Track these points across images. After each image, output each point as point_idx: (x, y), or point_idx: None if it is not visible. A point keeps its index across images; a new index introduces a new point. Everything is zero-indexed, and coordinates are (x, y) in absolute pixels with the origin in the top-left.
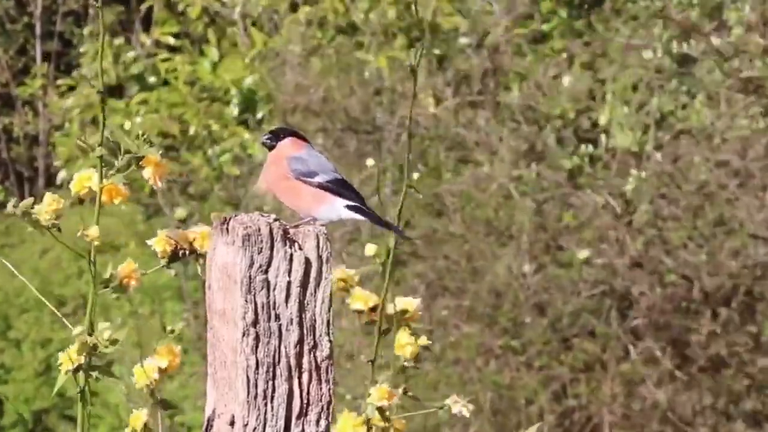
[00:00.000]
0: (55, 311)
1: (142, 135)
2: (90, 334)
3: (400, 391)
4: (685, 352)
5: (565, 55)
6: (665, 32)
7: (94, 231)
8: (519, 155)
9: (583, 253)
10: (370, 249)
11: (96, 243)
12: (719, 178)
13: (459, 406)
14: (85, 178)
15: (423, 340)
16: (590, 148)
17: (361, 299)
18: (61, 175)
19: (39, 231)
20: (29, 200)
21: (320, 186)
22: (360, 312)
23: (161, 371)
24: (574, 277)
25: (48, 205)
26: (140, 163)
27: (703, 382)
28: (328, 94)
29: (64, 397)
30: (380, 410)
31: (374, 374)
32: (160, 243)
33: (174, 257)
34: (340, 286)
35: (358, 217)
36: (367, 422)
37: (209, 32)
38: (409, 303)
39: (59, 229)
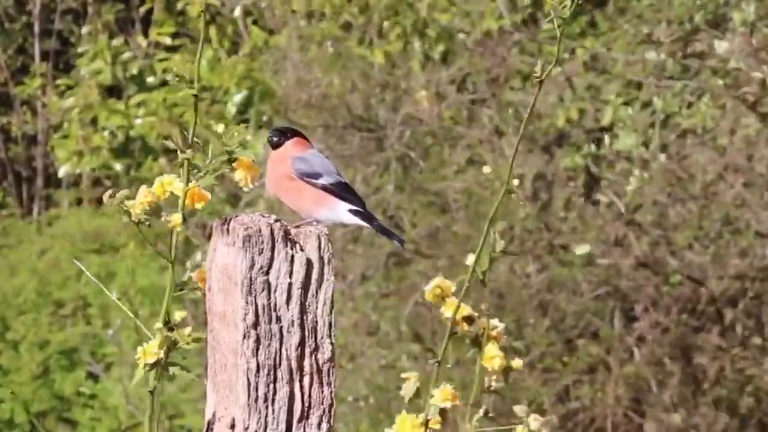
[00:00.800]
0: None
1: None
2: (170, 330)
3: (482, 411)
4: (691, 357)
5: (567, 55)
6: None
7: (177, 218)
8: (522, 154)
9: (583, 248)
10: (471, 259)
11: (178, 230)
12: (725, 178)
13: (538, 423)
14: (167, 183)
15: (518, 363)
16: (593, 148)
17: (453, 308)
18: (63, 171)
19: (132, 224)
20: (126, 191)
21: (324, 188)
22: (452, 321)
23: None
24: (577, 278)
25: (144, 197)
26: (233, 164)
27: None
28: (329, 90)
29: (62, 399)
30: (442, 412)
31: (440, 375)
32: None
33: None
34: (436, 293)
35: (361, 222)
36: (426, 423)
37: (210, 30)
38: (495, 323)
39: (149, 225)
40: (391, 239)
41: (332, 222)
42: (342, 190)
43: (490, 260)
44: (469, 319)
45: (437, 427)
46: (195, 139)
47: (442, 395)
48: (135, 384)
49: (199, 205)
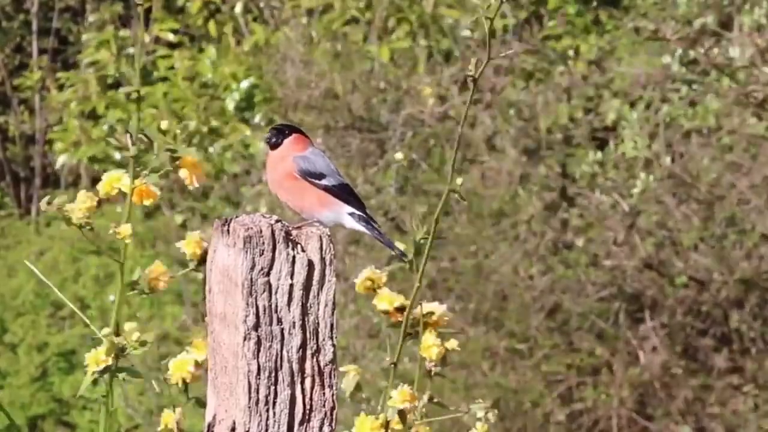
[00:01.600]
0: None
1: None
2: (117, 335)
3: (425, 397)
4: (696, 357)
5: (572, 53)
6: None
7: (126, 229)
8: (525, 154)
9: (580, 240)
10: (401, 245)
11: (128, 242)
12: (729, 178)
13: (483, 410)
14: (115, 179)
15: (452, 343)
16: (599, 155)
17: (387, 300)
18: (60, 160)
19: (72, 229)
20: (64, 197)
21: (326, 189)
22: (386, 313)
23: (197, 365)
24: (582, 279)
25: (82, 203)
26: (176, 162)
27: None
28: (331, 89)
29: (61, 402)
30: (401, 413)
31: (394, 376)
32: (190, 245)
33: (204, 260)
34: (367, 285)
35: (362, 228)
36: (386, 425)
37: (210, 26)
38: (436, 307)
39: (92, 228)
40: (393, 250)
41: (334, 223)
42: (344, 193)
43: (416, 247)
44: (402, 310)
45: (398, 427)
46: (140, 136)
47: (400, 396)
48: (79, 393)
49: (147, 202)
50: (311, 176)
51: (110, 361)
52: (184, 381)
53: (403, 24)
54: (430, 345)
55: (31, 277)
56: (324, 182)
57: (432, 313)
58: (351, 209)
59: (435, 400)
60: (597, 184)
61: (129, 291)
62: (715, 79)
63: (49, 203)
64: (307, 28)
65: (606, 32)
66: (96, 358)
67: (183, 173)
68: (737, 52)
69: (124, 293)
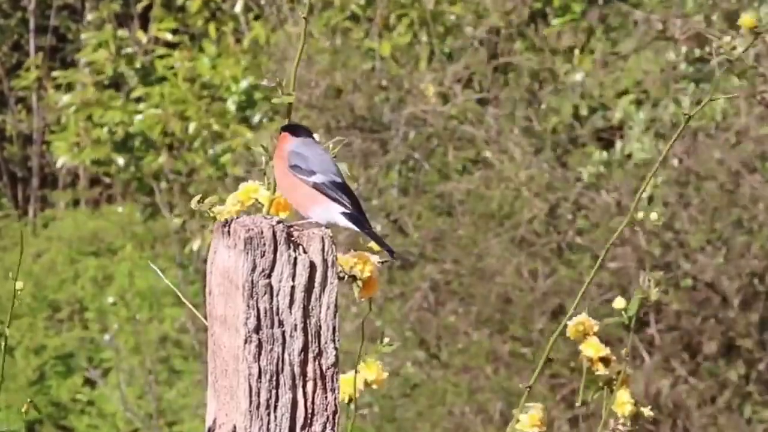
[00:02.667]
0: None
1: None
2: None
3: None
4: (699, 360)
5: (577, 52)
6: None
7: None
8: (530, 154)
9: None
10: (619, 303)
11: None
12: (738, 178)
13: None
14: (252, 189)
15: (647, 412)
16: (605, 155)
17: (594, 348)
18: (61, 161)
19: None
20: (215, 197)
21: (315, 186)
22: (589, 360)
23: (366, 384)
24: (585, 281)
25: (232, 206)
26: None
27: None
28: (332, 87)
29: (59, 406)
30: None
31: (526, 401)
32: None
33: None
34: (579, 329)
35: (352, 227)
36: None
37: (210, 27)
38: (630, 371)
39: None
40: (382, 248)
41: (327, 222)
42: (335, 191)
43: (639, 306)
44: (605, 361)
45: None
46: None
47: (530, 420)
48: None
49: (283, 215)
50: (301, 173)
51: None
52: (350, 399)
53: (404, 20)
54: (624, 402)
55: (29, 279)
56: (313, 179)
57: (629, 374)
58: (341, 208)
59: None
60: (601, 185)
61: (126, 293)
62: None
63: (200, 201)
64: (308, 26)
65: (613, 30)
66: None
67: None
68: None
69: None
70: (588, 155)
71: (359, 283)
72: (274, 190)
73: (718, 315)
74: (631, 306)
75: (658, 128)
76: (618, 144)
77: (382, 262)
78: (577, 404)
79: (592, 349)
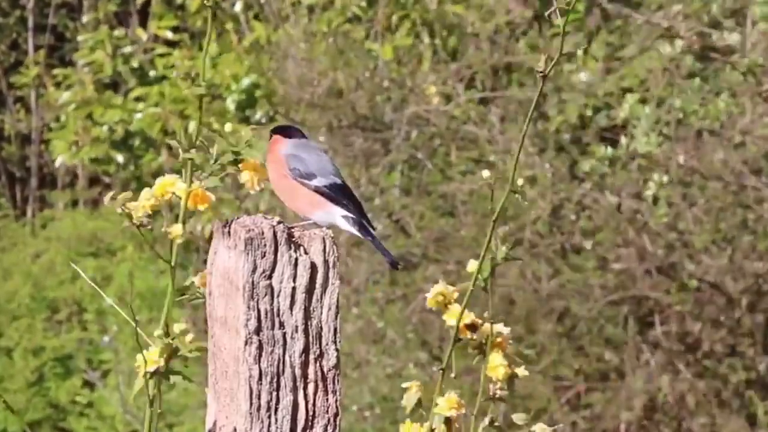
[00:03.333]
0: None
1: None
2: (167, 337)
3: (487, 420)
4: (703, 362)
5: (581, 52)
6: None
7: (177, 229)
8: (533, 154)
9: (588, 243)
10: (472, 266)
11: (179, 241)
12: (743, 178)
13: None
14: (168, 183)
15: (521, 371)
16: (609, 150)
17: (456, 315)
18: (60, 160)
19: (132, 227)
20: (128, 193)
21: (317, 190)
22: (456, 328)
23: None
24: (590, 282)
25: (145, 200)
26: (238, 165)
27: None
28: (333, 87)
29: (57, 408)
30: (447, 421)
31: (443, 383)
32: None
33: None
34: (438, 300)
35: (354, 232)
36: None
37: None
38: (500, 329)
39: (152, 229)
40: (385, 257)
41: (328, 224)
42: (336, 193)
43: (492, 267)
44: (472, 327)
45: None
46: (199, 137)
47: (447, 404)
48: (134, 393)
49: (201, 207)
50: (302, 176)
51: (162, 363)
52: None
53: (405, 22)
54: (497, 365)
55: (27, 280)
56: (314, 183)
57: (500, 334)
58: (344, 211)
59: (496, 424)
60: (606, 185)
61: (125, 294)
62: (730, 70)
63: (113, 198)
64: (308, 25)
65: (617, 28)
66: (148, 359)
67: (245, 176)
68: (735, 40)
69: (174, 294)
70: (592, 154)
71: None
72: (191, 183)
73: (722, 316)
74: (484, 267)
75: (663, 127)
76: (623, 139)
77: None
78: (452, 375)
79: (454, 317)
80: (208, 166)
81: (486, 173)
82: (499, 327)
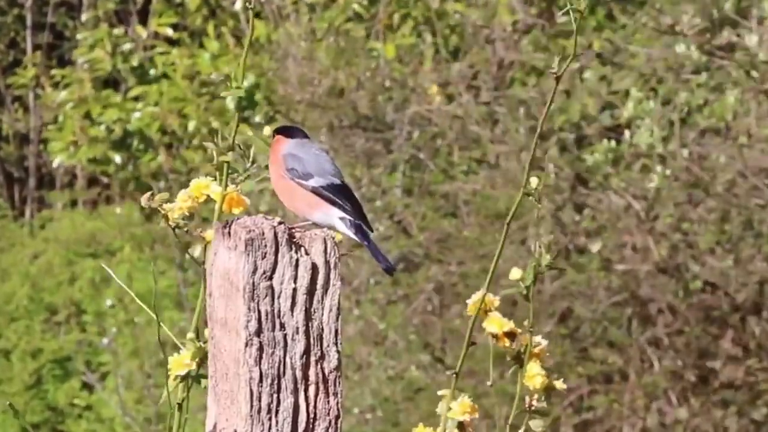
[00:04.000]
0: None
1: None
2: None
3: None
4: (707, 365)
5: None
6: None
7: (210, 233)
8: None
9: (597, 246)
10: (516, 273)
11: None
12: (748, 179)
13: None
14: (203, 186)
15: (560, 384)
16: (612, 143)
17: (497, 323)
18: (57, 160)
19: (168, 228)
20: (165, 194)
21: (314, 191)
22: (494, 336)
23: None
24: (593, 284)
25: (183, 202)
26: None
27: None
28: (335, 86)
29: (56, 410)
30: (461, 426)
31: (456, 386)
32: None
33: None
34: (479, 306)
35: (351, 235)
36: None
37: (208, 25)
38: (538, 340)
39: (188, 231)
40: (381, 264)
41: (327, 225)
42: (334, 194)
43: (535, 275)
44: (510, 335)
45: None
46: (235, 140)
47: (460, 408)
48: (164, 397)
49: (236, 211)
50: (299, 177)
51: (194, 366)
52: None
53: (407, 20)
54: (534, 374)
55: (25, 281)
56: (312, 183)
57: (538, 344)
58: (341, 213)
59: None
60: (610, 185)
61: (124, 296)
62: (736, 67)
63: (150, 198)
64: (309, 24)
65: (621, 28)
66: (179, 362)
67: None
68: (754, 41)
69: (204, 300)
70: (595, 149)
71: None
72: (226, 186)
73: (728, 319)
74: (527, 275)
75: (668, 125)
76: (627, 133)
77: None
78: (488, 383)
79: (495, 325)
80: (243, 170)
81: (534, 181)
82: (538, 338)
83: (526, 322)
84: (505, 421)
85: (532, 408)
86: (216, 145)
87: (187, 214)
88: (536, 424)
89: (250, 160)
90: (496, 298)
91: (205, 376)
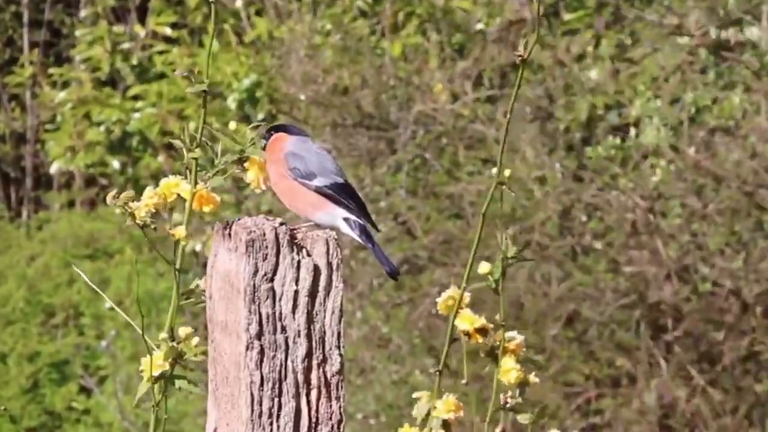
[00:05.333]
0: None
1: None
2: (172, 341)
3: (499, 429)
4: (715, 368)
5: (591, 48)
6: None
7: (180, 230)
8: (542, 153)
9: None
10: (484, 267)
11: (183, 243)
12: (758, 178)
13: None
14: (173, 185)
15: (533, 377)
16: (617, 140)
17: (468, 320)
18: (55, 167)
19: (135, 227)
20: (131, 192)
21: (317, 190)
22: (466, 333)
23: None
24: (601, 286)
25: (149, 199)
26: (244, 165)
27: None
28: (339, 84)
29: (53, 415)
30: (445, 424)
31: (440, 385)
32: None
33: None
34: (449, 304)
35: (356, 237)
36: None
37: (209, 23)
38: (512, 335)
39: (155, 229)
40: (385, 267)
41: (330, 226)
42: (338, 194)
43: (503, 268)
44: (483, 331)
45: None
46: (202, 136)
47: (445, 406)
48: (138, 398)
49: (207, 209)
50: (302, 177)
51: (167, 367)
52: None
53: (412, 19)
54: (509, 369)
55: (22, 284)
56: (315, 183)
57: (513, 339)
58: (346, 213)
59: None
60: (617, 185)
61: (123, 298)
62: (743, 67)
63: (115, 197)
64: (312, 21)
65: (628, 26)
66: (153, 363)
67: (250, 176)
68: (757, 36)
69: (178, 299)
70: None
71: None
72: (195, 184)
73: (737, 321)
74: (495, 268)
75: (677, 125)
76: (632, 131)
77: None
78: (463, 381)
79: (466, 321)
80: (212, 166)
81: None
82: (512, 333)
83: (497, 317)
84: (481, 418)
85: (507, 404)
86: (182, 141)
87: (154, 211)
88: (524, 417)
89: (218, 155)
90: (467, 295)
91: (181, 377)
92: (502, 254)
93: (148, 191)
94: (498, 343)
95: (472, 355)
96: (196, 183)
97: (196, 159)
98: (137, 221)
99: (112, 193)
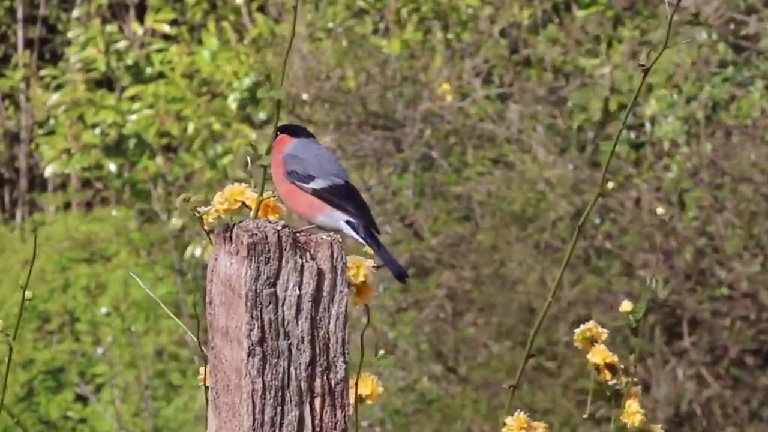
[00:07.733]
0: None
1: None
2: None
3: None
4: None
5: (604, 45)
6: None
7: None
8: (554, 153)
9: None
10: (626, 306)
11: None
12: None
13: None
14: (237, 192)
15: (657, 429)
16: (632, 135)
17: (601, 355)
18: (49, 170)
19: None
20: (199, 196)
21: (314, 193)
22: (596, 367)
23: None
24: (614, 290)
25: (220, 204)
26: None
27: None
28: (342, 83)
29: (48, 424)
30: None
31: (512, 401)
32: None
33: None
34: (586, 336)
35: (359, 239)
36: None
37: (209, 20)
38: (634, 380)
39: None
40: (392, 270)
41: (332, 228)
42: (337, 196)
43: (647, 308)
44: (611, 368)
45: None
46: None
47: (517, 423)
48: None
49: (273, 218)
50: (299, 179)
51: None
52: None
53: (414, 15)
54: (633, 412)
55: (17, 288)
56: (312, 185)
57: (635, 384)
58: (346, 216)
59: None
60: (632, 185)
61: (120, 303)
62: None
63: (185, 200)
64: (314, 19)
65: (644, 19)
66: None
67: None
68: None
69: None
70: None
71: (352, 288)
72: (262, 192)
73: (756, 325)
74: (639, 308)
75: (693, 124)
76: (647, 126)
77: (377, 267)
78: (584, 415)
79: (598, 356)
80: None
81: (660, 210)
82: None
83: (631, 358)
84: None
85: None
86: (254, 148)
87: (223, 217)
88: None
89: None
90: (604, 331)
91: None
92: (651, 294)
93: (219, 195)
94: (625, 383)
95: (595, 393)
96: (263, 191)
97: (265, 167)
98: (205, 227)
99: (182, 196)
